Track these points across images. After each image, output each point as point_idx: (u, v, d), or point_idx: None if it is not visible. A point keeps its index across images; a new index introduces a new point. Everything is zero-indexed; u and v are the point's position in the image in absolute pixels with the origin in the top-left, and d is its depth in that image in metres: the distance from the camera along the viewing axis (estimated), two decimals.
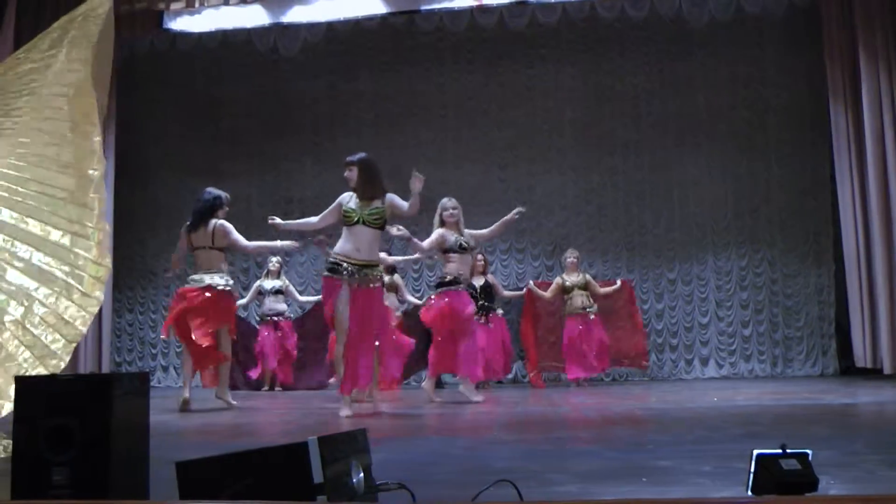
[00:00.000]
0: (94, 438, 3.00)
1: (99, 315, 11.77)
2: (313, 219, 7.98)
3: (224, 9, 12.09)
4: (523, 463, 4.39)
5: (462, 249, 8.80)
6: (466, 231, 8.92)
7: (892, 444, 4.48)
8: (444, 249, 8.80)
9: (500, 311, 11.58)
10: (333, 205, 7.67)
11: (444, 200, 8.94)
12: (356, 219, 7.46)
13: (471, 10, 12.51)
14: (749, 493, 2.76)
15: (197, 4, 11.93)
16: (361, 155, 7.75)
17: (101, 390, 3.07)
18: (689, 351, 12.71)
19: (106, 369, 11.70)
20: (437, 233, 8.81)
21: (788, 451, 2.79)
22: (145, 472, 3.24)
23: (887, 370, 10.69)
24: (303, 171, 13.65)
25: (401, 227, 8.07)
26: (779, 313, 12.67)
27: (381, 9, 12.34)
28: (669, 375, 12.57)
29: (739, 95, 12.87)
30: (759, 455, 2.77)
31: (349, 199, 7.55)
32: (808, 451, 2.83)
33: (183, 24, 12.54)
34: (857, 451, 4.48)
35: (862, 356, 11.18)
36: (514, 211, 8.84)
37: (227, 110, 13.86)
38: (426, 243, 8.73)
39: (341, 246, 7.49)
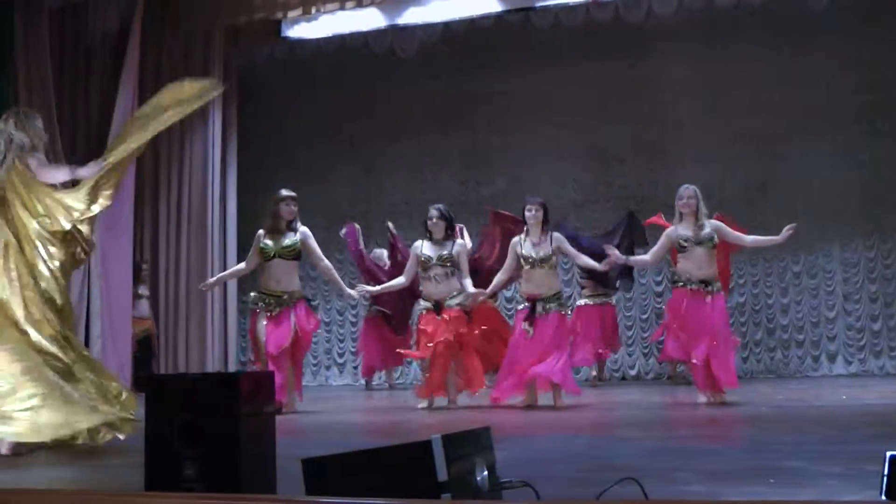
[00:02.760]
0: (224, 434, 3.10)
1: (225, 315, 12.12)
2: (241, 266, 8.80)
3: (340, 14, 12.23)
4: (648, 461, 4.36)
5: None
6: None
7: None
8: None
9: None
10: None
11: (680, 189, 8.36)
12: (272, 254, 8.14)
13: (586, 6, 12.41)
14: (883, 497, 2.67)
15: (314, 11, 12.10)
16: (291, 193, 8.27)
17: (229, 388, 3.18)
18: (815, 347, 12.38)
19: (232, 368, 12.00)
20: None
21: None
22: (273, 467, 3.32)
23: None
24: (421, 172, 13.75)
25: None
26: None
27: (496, 7, 12.33)
28: (796, 372, 12.26)
29: (864, 78, 12.40)
30: (892, 457, 2.69)
31: (264, 236, 8.21)
32: None
33: (301, 31, 12.74)
34: None
35: None
36: (787, 228, 8.07)
37: (345, 115, 14.03)
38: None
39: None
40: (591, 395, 8.59)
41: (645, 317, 12.74)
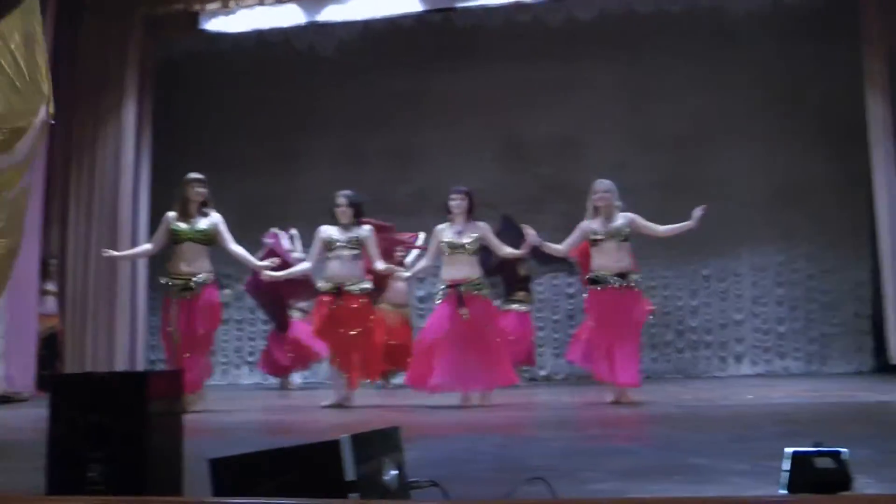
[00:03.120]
0: (130, 435, 3.03)
1: (134, 313, 11.90)
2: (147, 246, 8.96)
3: (259, 8, 12.12)
4: (557, 461, 4.39)
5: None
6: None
7: None
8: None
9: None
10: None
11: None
12: (185, 237, 8.17)
13: (507, 7, 12.47)
14: (784, 491, 2.74)
15: (232, 4, 11.98)
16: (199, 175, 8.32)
17: (136, 387, 3.11)
18: (723, 348, 12.63)
19: (140, 367, 11.80)
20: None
21: (823, 449, 2.77)
22: (180, 468, 3.26)
23: None
24: (340, 170, 13.61)
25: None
26: (815, 310, 12.55)
27: (417, 7, 12.31)
28: (704, 373, 12.48)
29: (776, 88, 12.70)
30: (793, 453, 2.76)
31: (175, 219, 8.21)
32: (844, 450, 2.80)
33: (219, 24, 12.56)
34: (893, 449, 4.44)
35: None
36: (697, 210, 8.29)
37: (264, 110, 13.87)
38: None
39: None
40: (502, 396, 8.62)
41: (556, 318, 12.84)
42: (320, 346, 9.80)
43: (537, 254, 10.25)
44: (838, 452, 2.79)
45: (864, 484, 2.99)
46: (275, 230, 11.22)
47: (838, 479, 2.73)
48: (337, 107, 13.67)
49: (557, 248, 8.65)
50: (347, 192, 8.79)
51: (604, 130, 13.00)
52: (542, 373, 12.63)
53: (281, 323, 11.63)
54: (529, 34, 12.95)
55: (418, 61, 13.42)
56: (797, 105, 12.63)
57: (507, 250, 8.61)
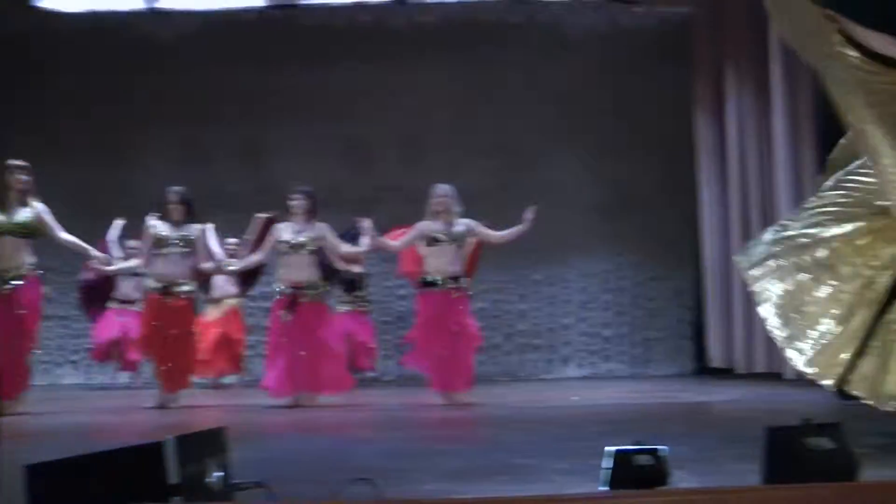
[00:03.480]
0: None
1: None
2: None
3: None
4: (385, 461, 4.39)
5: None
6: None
7: (741, 440, 4.63)
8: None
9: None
10: None
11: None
12: (2, 230, 7.73)
13: (350, 7, 12.42)
14: (604, 487, 2.81)
15: None
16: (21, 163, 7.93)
17: None
18: (551, 351, 12.91)
19: None
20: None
21: (643, 447, 2.86)
22: None
23: (740, 370, 11.16)
24: (175, 164, 13.17)
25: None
26: (640, 315, 12.99)
27: (259, 1, 12.08)
28: (531, 375, 12.72)
29: (611, 103, 13.07)
30: (614, 451, 2.83)
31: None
32: (662, 447, 2.90)
33: (52, 2, 11.99)
34: (708, 446, 4.63)
35: (716, 357, 11.72)
36: (527, 212, 8.45)
37: (97, 96, 13.21)
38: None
39: None
40: (330, 397, 8.58)
41: (387, 320, 12.83)
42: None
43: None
44: (657, 450, 2.88)
45: (680, 479, 3.10)
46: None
47: (656, 474, 2.83)
48: (177, 98, 13.14)
49: (392, 244, 8.66)
50: (178, 188, 8.56)
51: (443, 134, 13.05)
52: (373, 374, 12.61)
53: (92, 313, 11.26)
54: (372, 36, 12.89)
55: (262, 58, 13.04)
56: (630, 118, 13.03)
57: (346, 248, 8.59)
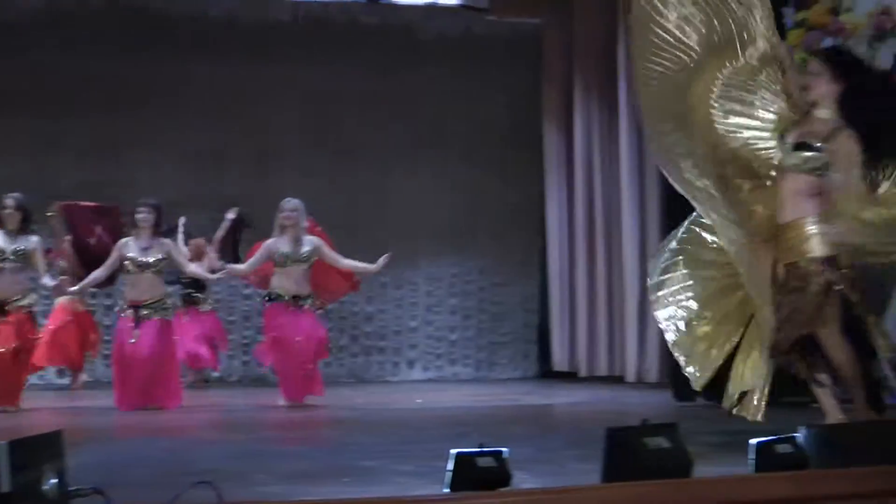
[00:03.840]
0: None
1: None
2: None
3: None
4: (227, 464, 4.32)
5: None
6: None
7: (583, 441, 4.74)
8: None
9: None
10: None
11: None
12: None
13: (202, 1, 12.15)
14: (447, 490, 2.83)
15: None
16: None
17: None
18: (397, 354, 12.94)
19: None
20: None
21: (485, 449, 2.89)
22: None
23: (582, 373, 11.48)
24: (22, 154, 12.47)
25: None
26: (486, 320, 13.14)
27: None
28: (377, 377, 12.72)
29: (462, 109, 13.15)
30: (457, 454, 2.86)
31: None
32: (505, 449, 2.94)
33: None
34: (551, 447, 4.72)
35: (560, 361, 12.01)
36: (383, 258, 8.41)
37: None
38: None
39: None
40: None
41: (232, 319, 12.61)
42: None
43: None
44: (500, 452, 2.92)
45: (522, 480, 3.15)
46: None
47: (498, 476, 2.86)
48: (18, 82, 12.43)
49: (240, 269, 8.53)
50: (16, 194, 8.11)
51: (293, 135, 12.80)
52: (216, 374, 12.37)
53: None
54: (223, 31, 12.48)
55: (113, 48, 12.40)
56: (481, 125, 13.15)
57: (192, 268, 8.45)
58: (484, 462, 2.86)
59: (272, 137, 12.77)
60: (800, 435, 3.33)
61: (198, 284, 10.68)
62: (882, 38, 6.72)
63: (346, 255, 8.88)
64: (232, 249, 10.35)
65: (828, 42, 6.68)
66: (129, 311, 7.92)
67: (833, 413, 4.68)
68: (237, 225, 10.71)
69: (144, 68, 12.34)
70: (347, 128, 12.90)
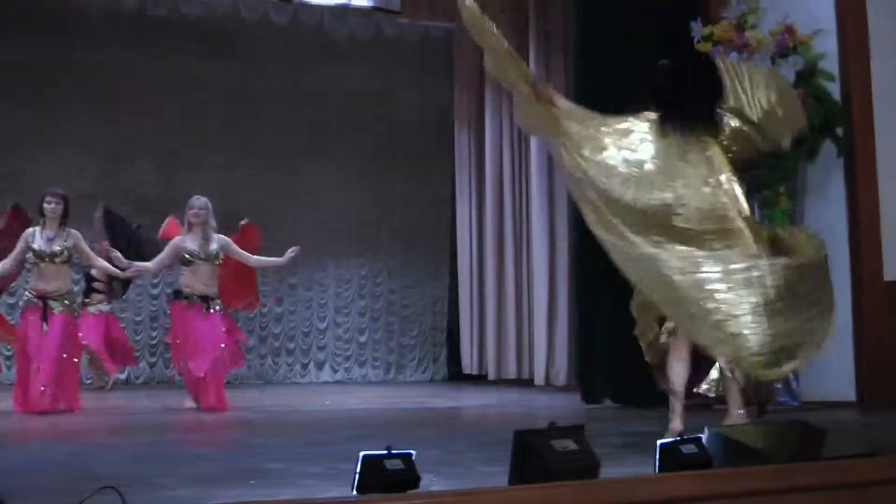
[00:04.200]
0: None
1: None
2: None
3: None
4: (130, 468, 4.24)
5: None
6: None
7: (491, 443, 4.76)
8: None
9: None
10: None
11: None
12: None
13: None
14: (354, 492, 2.82)
15: None
16: None
17: None
18: (305, 355, 12.87)
19: None
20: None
21: (393, 451, 2.89)
22: None
23: (491, 376, 11.56)
24: None
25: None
26: (395, 322, 13.16)
27: None
28: (285, 379, 12.64)
29: (372, 111, 13.19)
30: (364, 456, 2.85)
31: None
32: (412, 452, 2.94)
33: None
34: (459, 449, 4.73)
35: (469, 363, 12.07)
36: (290, 251, 8.32)
37: None
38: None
39: None
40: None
41: (139, 319, 12.41)
42: None
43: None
44: (408, 454, 2.92)
45: (430, 482, 3.15)
46: None
47: (406, 478, 2.86)
48: None
49: (147, 267, 8.36)
50: None
51: (203, 133, 12.65)
52: (122, 376, 12.15)
53: None
54: (133, 23, 12.28)
55: (23, 37, 12.03)
56: (392, 127, 13.23)
57: (101, 264, 8.27)
58: (392, 464, 2.86)
59: (180, 135, 12.58)
60: (704, 436, 3.40)
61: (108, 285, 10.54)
62: (784, 55, 6.98)
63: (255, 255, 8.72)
64: (127, 245, 10.13)
65: (734, 56, 6.83)
66: (37, 301, 7.72)
67: (677, 421, 4.73)
68: (112, 222, 10.45)
69: (54, 59, 12.05)
70: (256, 126, 12.80)
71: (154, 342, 12.14)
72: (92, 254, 8.15)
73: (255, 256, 8.46)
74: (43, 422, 6.95)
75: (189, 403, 7.95)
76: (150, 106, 12.40)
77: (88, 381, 10.61)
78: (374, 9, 12.42)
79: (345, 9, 12.58)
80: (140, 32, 12.32)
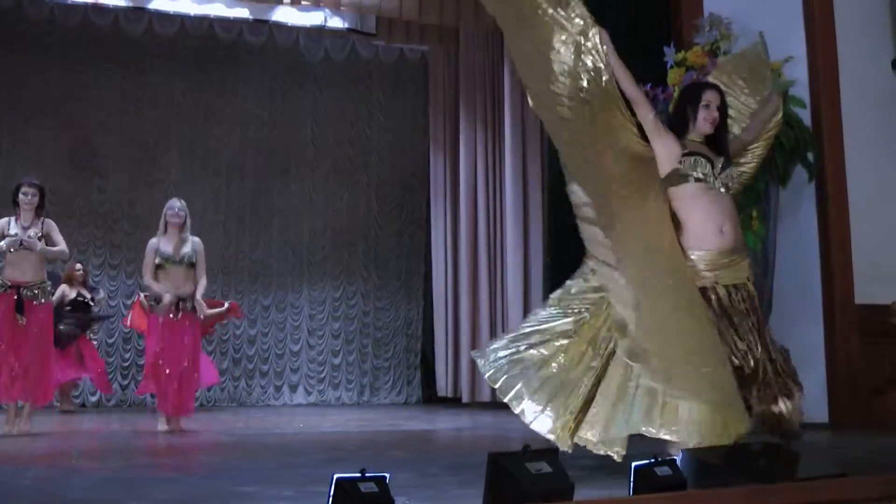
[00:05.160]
0: None
1: None
2: None
3: None
4: (101, 492, 4.21)
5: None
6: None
7: (465, 466, 4.76)
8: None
9: None
10: None
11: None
12: None
13: (85, 7, 11.86)
14: None
15: None
16: None
17: None
18: (279, 377, 12.79)
19: None
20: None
21: (367, 474, 2.88)
22: None
23: (465, 399, 11.52)
24: None
25: None
26: (369, 344, 13.11)
27: None
28: (258, 401, 12.55)
29: (346, 132, 13.20)
30: (338, 479, 2.84)
31: None
32: (386, 474, 2.93)
33: None
34: (433, 472, 4.72)
35: (444, 386, 12.04)
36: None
37: None
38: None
39: None
40: (47, 424, 8.14)
41: (111, 340, 12.29)
42: None
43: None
44: (382, 477, 2.91)
45: None
46: None
47: (380, 501, 2.85)
48: None
49: (154, 289, 8.21)
50: None
51: (174, 151, 12.59)
52: (93, 399, 12.04)
53: None
54: (107, 40, 12.25)
55: None
56: (367, 149, 13.24)
57: (61, 247, 8.12)
58: (366, 487, 2.85)
59: (153, 154, 12.52)
60: (678, 457, 3.41)
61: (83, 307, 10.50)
62: None
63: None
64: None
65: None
66: (10, 289, 7.62)
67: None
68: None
69: (23, 78, 11.99)
70: (230, 147, 12.78)
71: (126, 364, 12.03)
72: (63, 246, 7.98)
73: (204, 280, 8.30)
74: (12, 445, 6.87)
75: (162, 426, 7.89)
76: (121, 124, 12.35)
77: (56, 405, 10.51)
78: (350, 30, 12.43)
79: (320, 30, 12.57)
80: (111, 50, 12.27)
